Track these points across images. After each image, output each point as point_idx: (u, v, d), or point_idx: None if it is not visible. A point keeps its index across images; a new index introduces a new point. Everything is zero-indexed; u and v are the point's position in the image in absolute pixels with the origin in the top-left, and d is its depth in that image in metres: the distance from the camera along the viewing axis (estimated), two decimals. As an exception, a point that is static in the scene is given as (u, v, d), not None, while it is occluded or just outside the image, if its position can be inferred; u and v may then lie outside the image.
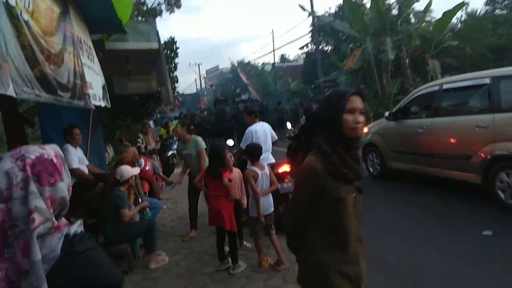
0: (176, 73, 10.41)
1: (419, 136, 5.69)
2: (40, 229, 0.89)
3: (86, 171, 4.15)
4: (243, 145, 4.33)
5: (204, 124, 14.23)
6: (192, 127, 4.75)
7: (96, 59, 4.02)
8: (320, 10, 33.01)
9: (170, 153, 8.53)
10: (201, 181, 3.78)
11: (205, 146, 4.46)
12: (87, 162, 4.32)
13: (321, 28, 19.84)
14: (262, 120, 4.79)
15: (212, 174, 3.53)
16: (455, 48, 13.89)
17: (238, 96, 26.11)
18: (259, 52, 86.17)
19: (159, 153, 7.70)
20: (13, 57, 1.84)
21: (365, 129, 6.72)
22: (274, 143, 4.70)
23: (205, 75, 47.67)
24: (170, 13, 14.08)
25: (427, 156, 5.57)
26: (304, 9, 18.04)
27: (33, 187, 0.91)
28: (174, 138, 8.95)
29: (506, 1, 18.19)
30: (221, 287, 3.23)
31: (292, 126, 12.99)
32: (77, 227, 1.00)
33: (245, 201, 3.66)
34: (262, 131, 4.48)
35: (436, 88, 5.69)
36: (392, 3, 14.35)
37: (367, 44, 12.07)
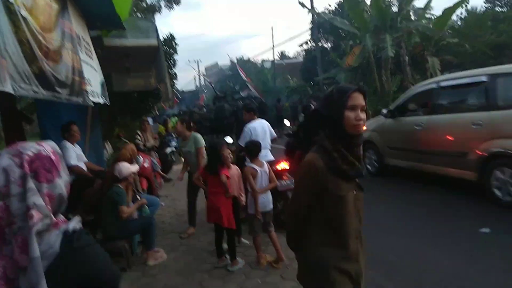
0: (175, 70, 10.38)
1: (416, 134, 5.72)
2: (39, 225, 0.89)
3: (84, 168, 4.13)
4: (241, 142, 4.32)
5: (203, 121, 14.20)
6: (192, 124, 4.75)
7: (94, 55, 4.00)
8: (320, 7, 32.93)
9: (168, 150, 8.53)
10: (199, 179, 3.78)
11: (204, 144, 4.45)
12: (85, 159, 4.29)
13: (320, 25, 19.77)
14: (261, 117, 4.78)
15: (209, 171, 3.53)
16: (455, 46, 13.85)
17: (237, 93, 26.05)
18: (259, 49, 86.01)
19: (158, 150, 7.69)
20: (11, 53, 1.84)
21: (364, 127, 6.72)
22: (273, 141, 4.70)
23: (204, 72, 47.54)
24: (169, 9, 14.02)
25: (424, 153, 5.60)
26: (304, 6, 17.97)
27: (31, 183, 0.91)
28: (173, 135, 8.95)
29: (506, -1, 18.18)
30: (219, 284, 3.24)
31: (290, 124, 12.96)
32: (75, 223, 1.00)
33: (243, 198, 3.66)
34: (260, 128, 4.47)
35: (434, 85, 5.71)
36: (392, 0, 14.30)
37: (367, 41, 12.03)
